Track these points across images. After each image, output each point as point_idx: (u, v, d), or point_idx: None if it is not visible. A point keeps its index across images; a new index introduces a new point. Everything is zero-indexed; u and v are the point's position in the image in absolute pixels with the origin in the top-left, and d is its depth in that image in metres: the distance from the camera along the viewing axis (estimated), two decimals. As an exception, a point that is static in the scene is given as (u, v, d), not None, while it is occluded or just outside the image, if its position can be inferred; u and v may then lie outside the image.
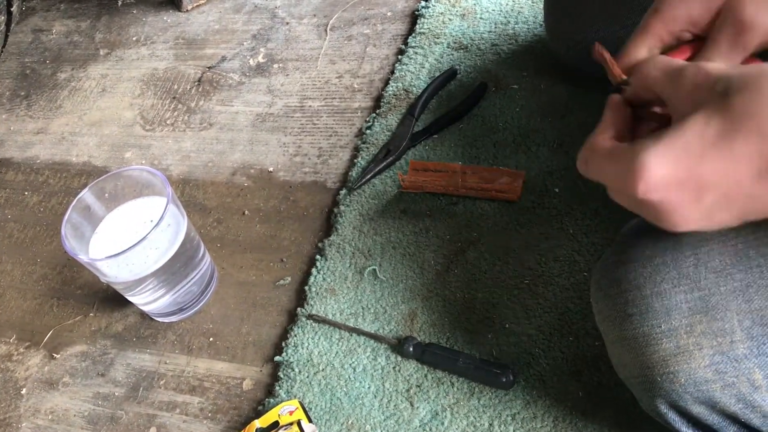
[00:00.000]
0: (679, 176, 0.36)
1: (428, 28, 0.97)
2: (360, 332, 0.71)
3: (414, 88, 0.91)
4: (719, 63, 0.40)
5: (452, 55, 0.93)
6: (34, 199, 0.97)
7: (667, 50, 0.46)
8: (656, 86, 0.41)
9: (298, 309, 0.74)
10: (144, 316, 0.80)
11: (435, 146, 0.84)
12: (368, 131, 0.88)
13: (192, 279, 0.75)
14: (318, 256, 0.78)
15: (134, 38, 1.17)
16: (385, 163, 0.83)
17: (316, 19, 1.09)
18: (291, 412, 0.65)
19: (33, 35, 1.25)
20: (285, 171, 0.90)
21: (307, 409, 0.67)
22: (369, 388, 0.67)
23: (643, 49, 0.46)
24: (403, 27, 1.02)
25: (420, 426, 0.64)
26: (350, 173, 0.85)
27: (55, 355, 0.80)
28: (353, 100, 0.95)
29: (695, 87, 0.38)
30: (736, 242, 0.45)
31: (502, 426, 0.62)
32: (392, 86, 0.92)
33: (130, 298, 0.74)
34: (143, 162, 0.97)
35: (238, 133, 0.96)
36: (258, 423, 0.65)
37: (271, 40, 1.08)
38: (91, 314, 0.82)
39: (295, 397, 0.68)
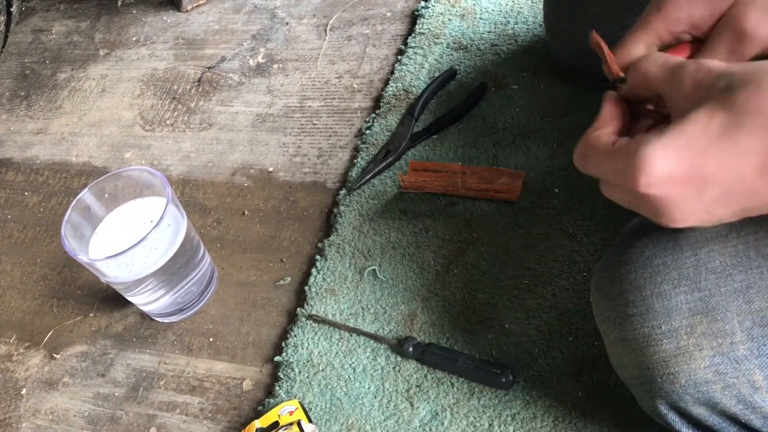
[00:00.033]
0: (683, 171, 0.36)
1: (428, 29, 0.97)
2: (360, 332, 0.71)
3: (414, 89, 0.91)
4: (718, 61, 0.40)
5: (452, 55, 0.93)
6: (33, 199, 0.97)
7: (664, 48, 0.46)
8: (655, 83, 0.41)
9: (298, 309, 0.74)
10: (144, 316, 0.80)
11: (435, 146, 0.84)
12: (368, 131, 0.88)
13: (192, 279, 0.75)
14: (318, 257, 0.78)
15: (134, 38, 1.17)
16: (384, 164, 0.83)
17: (315, 19, 1.09)
18: (291, 413, 0.65)
19: (33, 35, 1.25)
20: (285, 171, 0.90)
21: (307, 409, 0.67)
22: (369, 388, 0.67)
23: (641, 45, 0.46)
24: (402, 27, 1.02)
25: (420, 426, 0.64)
26: (350, 173, 0.85)
27: (55, 355, 0.80)
28: (353, 100, 0.95)
29: (696, 83, 0.38)
30: (737, 243, 0.45)
31: (502, 426, 0.62)
32: (392, 86, 0.92)
33: (130, 299, 0.74)
34: (143, 162, 0.97)
35: (238, 133, 0.96)
36: (258, 423, 0.65)
37: (270, 40, 1.08)
38: (91, 314, 0.82)
39: (295, 397, 0.68)
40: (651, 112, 0.45)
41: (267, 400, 0.69)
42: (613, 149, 0.40)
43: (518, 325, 0.68)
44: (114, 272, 0.69)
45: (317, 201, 0.85)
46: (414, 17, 1.02)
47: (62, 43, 1.21)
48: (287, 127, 0.95)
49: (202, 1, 1.19)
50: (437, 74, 0.90)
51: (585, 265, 0.69)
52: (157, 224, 0.67)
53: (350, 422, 0.66)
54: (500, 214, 0.76)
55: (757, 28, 0.42)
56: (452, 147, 0.83)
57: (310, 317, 0.73)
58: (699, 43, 0.45)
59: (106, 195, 0.74)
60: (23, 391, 0.78)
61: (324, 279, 0.76)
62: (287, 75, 1.02)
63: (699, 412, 0.46)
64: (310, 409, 0.67)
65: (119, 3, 1.23)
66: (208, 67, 1.07)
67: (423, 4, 1.01)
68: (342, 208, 0.81)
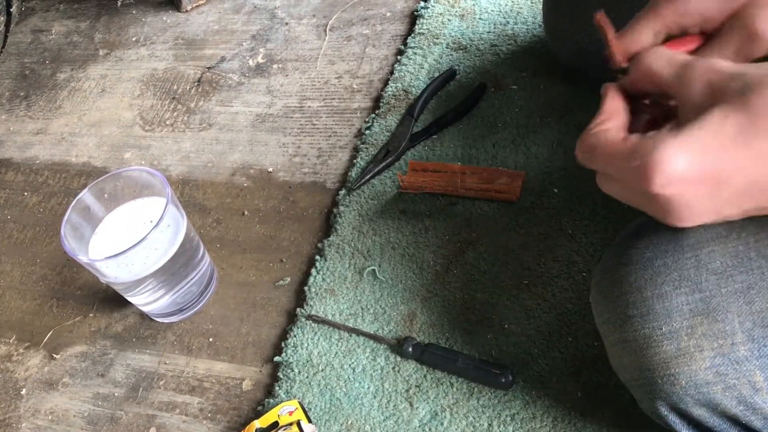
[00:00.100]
0: (698, 171, 0.37)
1: (427, 29, 0.97)
2: (359, 333, 0.71)
3: (413, 89, 0.91)
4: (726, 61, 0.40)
5: (451, 55, 0.93)
6: (33, 199, 0.97)
7: (669, 38, 0.45)
8: (660, 79, 0.41)
9: (298, 309, 0.74)
10: (144, 316, 0.80)
11: (434, 147, 0.84)
12: (367, 132, 0.89)
13: (191, 279, 0.75)
14: (317, 257, 0.78)
15: (134, 38, 1.17)
16: (384, 164, 0.83)
17: (315, 19, 1.09)
18: (290, 413, 0.65)
19: (32, 36, 1.25)
20: (284, 171, 0.90)
21: (306, 409, 0.67)
22: (368, 388, 0.67)
23: (649, 33, 0.45)
24: (402, 27, 1.02)
25: (419, 426, 0.64)
26: (349, 174, 0.85)
27: (54, 355, 0.80)
28: (352, 100, 0.95)
29: (708, 83, 0.38)
30: (737, 244, 0.45)
31: (502, 426, 0.62)
32: (391, 87, 0.92)
33: (129, 299, 0.74)
34: (143, 162, 0.97)
35: (238, 133, 0.96)
36: (258, 423, 0.65)
37: (270, 40, 1.08)
38: (90, 315, 0.82)
39: (294, 397, 0.68)
40: (647, 107, 0.45)
41: (266, 400, 0.69)
42: (624, 146, 0.39)
43: (518, 326, 0.68)
44: (114, 272, 0.69)
45: (317, 201, 0.85)
46: (413, 17, 1.02)
47: (62, 44, 1.21)
48: (287, 127, 0.95)
49: (202, 2, 1.19)
50: (437, 74, 0.90)
51: (584, 266, 0.69)
52: (157, 224, 0.67)
53: (350, 422, 0.66)
54: (500, 214, 0.76)
55: None
56: (452, 147, 0.83)
57: (309, 317, 0.73)
58: (705, 36, 0.45)
59: (106, 195, 0.74)
60: (23, 392, 0.78)
61: (323, 279, 0.76)
62: (287, 75, 1.02)
63: (699, 413, 0.46)
64: (310, 409, 0.67)
65: (119, 3, 1.23)
66: (207, 68, 1.07)
67: (422, 4, 1.01)
68: (342, 208, 0.81)
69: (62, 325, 0.82)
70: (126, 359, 0.78)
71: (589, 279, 0.68)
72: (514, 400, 0.63)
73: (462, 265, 0.73)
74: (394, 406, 0.66)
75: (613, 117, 0.43)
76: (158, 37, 1.16)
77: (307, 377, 0.69)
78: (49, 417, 0.75)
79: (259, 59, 1.06)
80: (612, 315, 0.49)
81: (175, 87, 1.06)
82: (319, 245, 0.79)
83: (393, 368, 0.68)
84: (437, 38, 0.95)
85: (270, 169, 0.91)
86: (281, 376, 0.70)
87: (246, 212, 0.87)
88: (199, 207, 0.89)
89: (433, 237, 0.76)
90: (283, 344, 0.73)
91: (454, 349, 0.67)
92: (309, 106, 0.96)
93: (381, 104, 0.91)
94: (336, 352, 0.70)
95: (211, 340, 0.77)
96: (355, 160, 0.86)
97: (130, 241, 0.67)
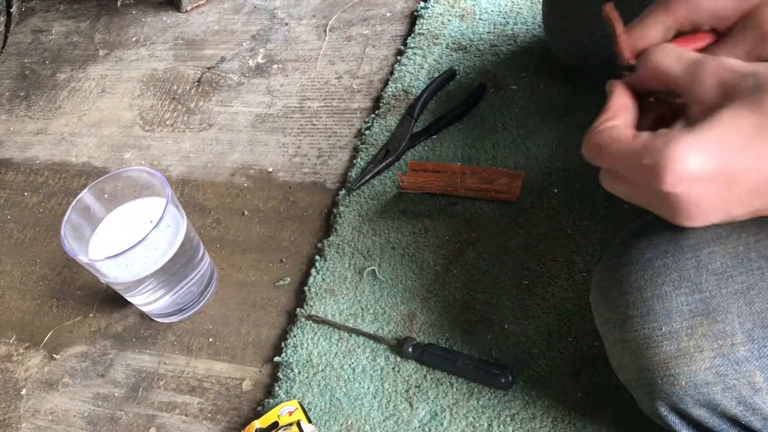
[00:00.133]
0: (711, 170, 0.36)
1: (427, 29, 0.97)
2: (359, 333, 0.71)
3: (413, 89, 0.91)
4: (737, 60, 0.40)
5: (451, 55, 0.93)
6: (33, 199, 0.97)
7: (679, 35, 0.45)
8: (670, 77, 0.41)
9: (298, 309, 0.74)
10: (144, 316, 0.80)
11: (434, 147, 0.84)
12: (367, 132, 0.89)
13: (191, 279, 0.75)
14: (317, 257, 0.78)
15: (133, 39, 1.17)
16: (384, 164, 0.83)
17: (315, 19, 1.09)
18: (290, 413, 0.65)
19: (32, 36, 1.25)
20: (284, 171, 0.90)
21: (306, 409, 0.67)
22: (368, 388, 0.67)
23: (659, 28, 0.44)
24: (402, 28, 1.02)
25: (419, 426, 0.64)
26: (349, 174, 0.85)
27: (54, 355, 0.80)
28: (352, 100, 0.95)
29: (720, 81, 0.38)
30: (737, 245, 0.45)
31: (501, 426, 0.62)
32: (391, 87, 0.92)
33: (129, 299, 0.74)
34: (143, 162, 0.97)
35: (238, 133, 0.96)
36: (257, 423, 0.65)
37: (270, 40, 1.08)
38: (90, 315, 0.82)
39: (294, 397, 0.68)
40: (653, 105, 0.44)
41: (266, 400, 0.69)
42: (634, 144, 0.39)
43: (517, 326, 0.68)
44: (114, 272, 0.69)
45: (317, 201, 0.85)
46: (413, 18, 1.02)
47: (62, 44, 1.21)
48: (287, 127, 0.95)
49: (202, 2, 1.19)
50: (437, 75, 0.90)
51: (584, 266, 0.69)
52: (157, 225, 0.67)
53: (350, 422, 0.66)
54: (500, 215, 0.76)
55: None
56: (452, 147, 0.83)
57: (309, 317, 0.73)
58: (716, 34, 0.44)
59: (106, 195, 0.74)
60: (23, 392, 0.78)
61: (323, 279, 0.76)
62: (287, 75, 1.02)
63: (699, 413, 0.46)
64: (310, 409, 0.67)
65: (119, 3, 1.23)
66: (207, 68, 1.07)
67: (422, 4, 1.01)
68: (341, 208, 0.81)
69: (62, 325, 0.82)
70: (126, 359, 0.78)
71: (589, 279, 0.68)
72: (514, 401, 0.63)
73: (462, 266, 0.73)
74: (394, 406, 0.66)
75: (620, 114, 0.42)
76: (158, 37, 1.16)
77: (307, 377, 0.69)
78: (49, 417, 0.75)
79: (259, 59, 1.06)
80: (612, 315, 0.49)
81: (175, 87, 1.06)
82: (319, 245, 0.79)
83: (393, 368, 0.68)
84: (437, 38, 0.95)
85: (270, 169, 0.91)
86: (281, 377, 0.70)
87: (246, 212, 0.87)
88: (199, 207, 0.89)
89: (433, 237, 0.76)
90: (283, 344, 0.73)
91: (454, 350, 0.67)
92: (309, 107, 0.96)
93: (381, 104, 0.91)
94: (336, 353, 0.70)
95: (211, 340, 0.77)
96: (355, 161, 0.86)
97: (130, 241, 0.67)
